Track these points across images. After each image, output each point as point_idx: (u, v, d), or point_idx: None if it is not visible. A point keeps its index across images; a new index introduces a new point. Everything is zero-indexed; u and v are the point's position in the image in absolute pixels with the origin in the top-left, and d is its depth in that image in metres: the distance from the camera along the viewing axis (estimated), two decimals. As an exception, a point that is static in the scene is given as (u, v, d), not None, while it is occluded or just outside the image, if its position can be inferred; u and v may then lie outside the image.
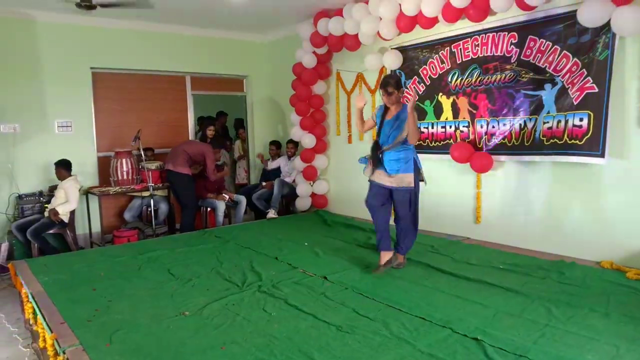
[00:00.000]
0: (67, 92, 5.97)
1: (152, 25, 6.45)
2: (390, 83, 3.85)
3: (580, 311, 3.00)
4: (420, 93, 5.31)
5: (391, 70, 5.53)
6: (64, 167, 5.41)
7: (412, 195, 3.90)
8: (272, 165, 7.04)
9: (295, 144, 6.83)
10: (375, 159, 3.95)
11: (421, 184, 3.99)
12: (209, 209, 6.39)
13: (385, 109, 4.00)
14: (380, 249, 4.02)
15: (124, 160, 5.95)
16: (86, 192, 5.95)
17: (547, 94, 4.21)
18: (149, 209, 5.99)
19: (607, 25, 3.68)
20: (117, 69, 6.43)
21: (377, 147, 3.95)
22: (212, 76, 7.30)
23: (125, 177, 5.95)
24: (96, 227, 6.01)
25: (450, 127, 5.06)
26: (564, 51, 4.06)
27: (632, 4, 3.56)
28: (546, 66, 4.20)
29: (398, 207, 3.97)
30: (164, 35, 6.64)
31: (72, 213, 5.48)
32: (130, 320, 3.04)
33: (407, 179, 3.87)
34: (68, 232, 5.44)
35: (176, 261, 4.36)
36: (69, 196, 5.32)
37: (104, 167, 6.21)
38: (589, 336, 2.66)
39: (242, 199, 6.48)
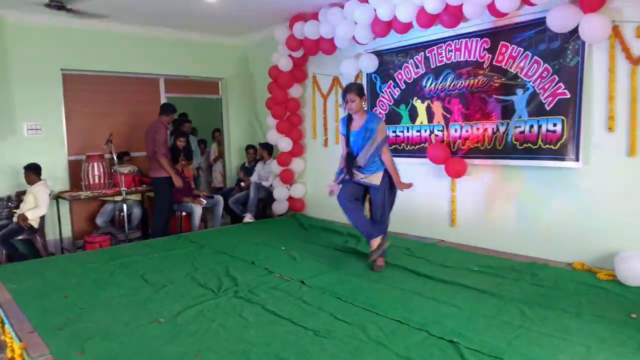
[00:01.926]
0: (37, 94, 5.81)
1: (124, 26, 6.34)
2: (352, 89, 3.95)
3: (553, 312, 3.06)
4: (395, 97, 5.36)
5: (366, 75, 5.57)
6: (33, 171, 5.27)
7: (386, 193, 4.05)
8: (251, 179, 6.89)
9: (266, 149, 6.77)
10: (350, 170, 4.06)
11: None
12: (184, 213, 6.30)
13: (349, 119, 4.03)
14: (370, 240, 4.04)
15: (95, 164, 5.83)
16: (56, 197, 5.80)
17: (519, 99, 4.30)
18: (122, 214, 5.88)
19: (576, 32, 3.78)
20: (89, 71, 6.29)
21: (351, 158, 4.04)
22: (186, 78, 7.22)
23: (96, 181, 5.83)
24: (67, 232, 5.87)
25: (425, 131, 5.11)
26: (535, 57, 4.15)
27: (599, 12, 3.66)
28: (517, 72, 4.28)
29: (373, 206, 4.11)
30: (137, 36, 6.53)
31: (42, 218, 5.34)
32: (103, 328, 2.98)
33: (377, 178, 4.02)
34: (38, 238, 5.31)
35: (150, 267, 4.29)
36: (38, 201, 5.19)
37: (75, 171, 6.06)
38: (562, 337, 2.71)
39: (220, 198, 6.42)
